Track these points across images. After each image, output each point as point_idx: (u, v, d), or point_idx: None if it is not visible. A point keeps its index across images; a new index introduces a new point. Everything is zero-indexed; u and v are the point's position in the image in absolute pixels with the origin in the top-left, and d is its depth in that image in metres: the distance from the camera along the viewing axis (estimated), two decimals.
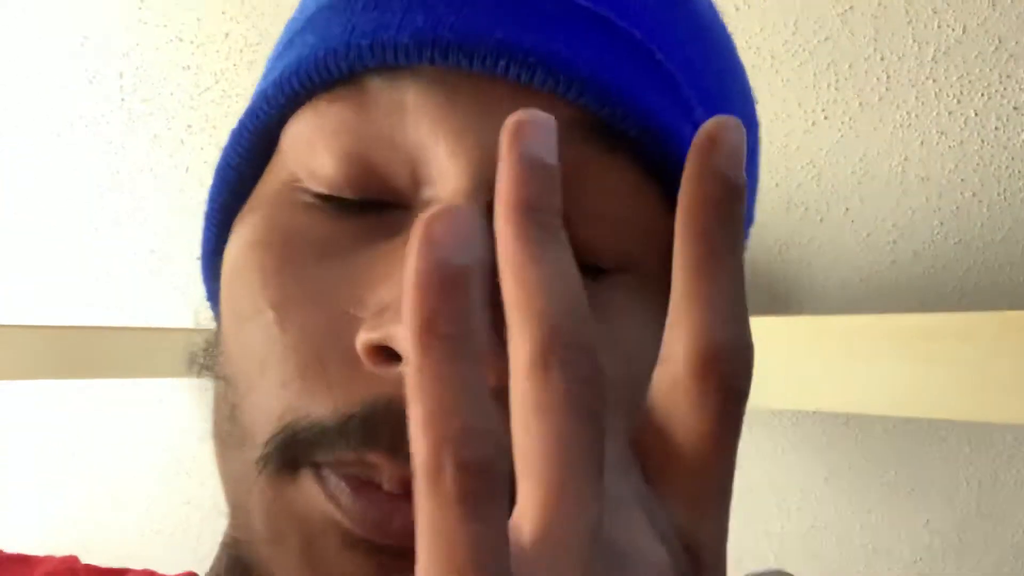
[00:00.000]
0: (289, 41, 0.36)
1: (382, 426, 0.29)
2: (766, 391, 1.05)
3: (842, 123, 1.11)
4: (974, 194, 1.17)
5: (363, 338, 0.29)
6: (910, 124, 1.12)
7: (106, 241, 1.29)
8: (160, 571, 0.47)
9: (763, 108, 1.10)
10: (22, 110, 1.15)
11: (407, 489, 0.28)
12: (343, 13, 0.34)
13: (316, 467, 0.30)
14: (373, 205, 0.32)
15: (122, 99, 1.13)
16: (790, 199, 1.19)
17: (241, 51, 1.07)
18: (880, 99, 1.10)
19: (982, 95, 1.09)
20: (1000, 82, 1.08)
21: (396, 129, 0.31)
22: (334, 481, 0.30)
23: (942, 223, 1.20)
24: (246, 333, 0.32)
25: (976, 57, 1.06)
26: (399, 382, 0.28)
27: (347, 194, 0.32)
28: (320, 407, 0.30)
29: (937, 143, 1.13)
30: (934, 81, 1.08)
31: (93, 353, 1.09)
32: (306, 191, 0.33)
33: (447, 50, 0.30)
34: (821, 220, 1.21)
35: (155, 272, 1.31)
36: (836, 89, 1.08)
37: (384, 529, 0.29)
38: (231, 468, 0.33)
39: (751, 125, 0.42)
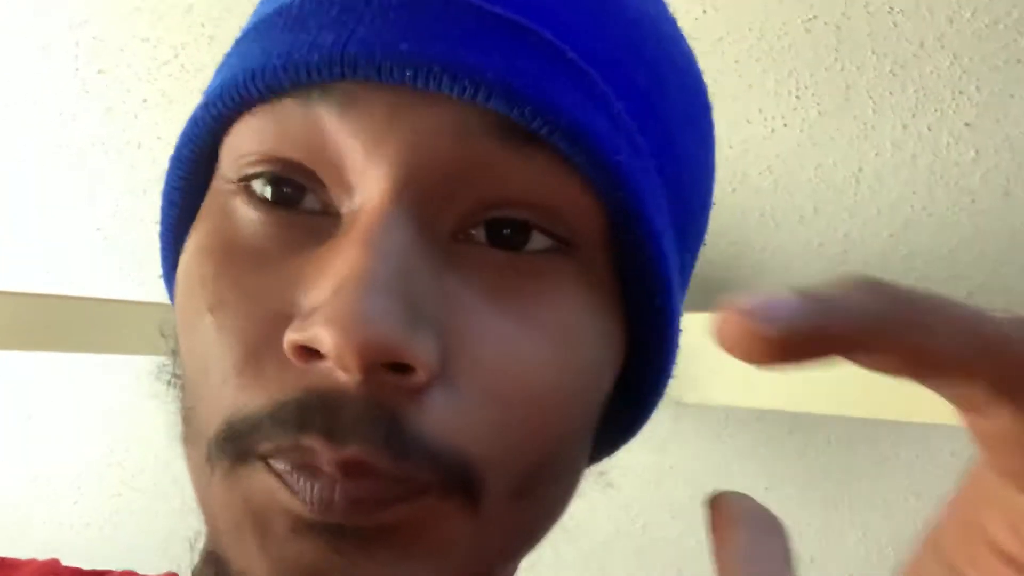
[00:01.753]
0: (222, 64, 0.38)
1: (315, 412, 0.30)
2: (710, 386, 1.05)
3: (800, 131, 1.13)
4: (924, 207, 1.20)
5: (289, 338, 0.30)
6: (866, 135, 1.14)
7: (53, 215, 1.25)
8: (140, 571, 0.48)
9: (724, 112, 1.11)
10: None
11: (346, 471, 0.30)
12: (263, 36, 0.35)
13: (263, 457, 0.31)
14: (304, 213, 0.34)
15: (76, 69, 1.10)
16: (747, 204, 1.20)
17: (203, 25, 1.04)
18: (839, 109, 1.12)
19: (935, 110, 1.12)
20: (953, 98, 1.11)
21: (317, 143, 0.33)
22: (281, 466, 0.31)
23: (892, 235, 1.23)
24: (192, 338, 0.34)
25: (931, 72, 1.09)
26: (328, 375, 0.30)
27: (279, 204, 0.34)
28: (256, 400, 0.31)
29: (891, 155, 1.15)
30: (891, 94, 1.11)
31: (39, 323, 1.05)
32: (242, 202, 0.35)
33: (355, 65, 0.32)
34: (776, 227, 1.22)
35: (102, 250, 1.28)
36: (797, 97, 1.10)
37: (329, 507, 0.30)
38: (193, 468, 0.35)
39: (703, 114, 0.42)
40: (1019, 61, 1.08)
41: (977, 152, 1.15)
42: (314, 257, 0.32)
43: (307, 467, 0.30)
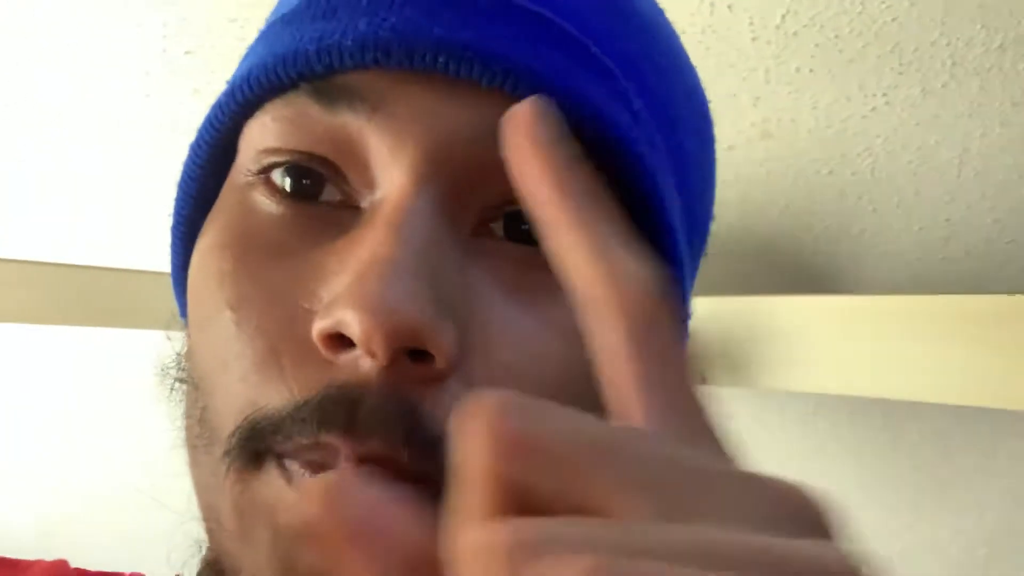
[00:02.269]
0: (248, 52, 0.38)
1: (336, 408, 0.30)
2: (800, 372, 1.02)
3: (902, 110, 1.08)
4: None
5: (317, 327, 0.30)
6: (972, 114, 1.08)
7: (133, 193, 1.27)
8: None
9: (823, 90, 1.07)
10: (60, 52, 1.12)
11: (375, 467, 0.29)
12: (292, 25, 0.36)
13: (279, 458, 0.31)
14: (324, 205, 0.34)
15: (163, 49, 1.10)
16: (843, 187, 1.15)
17: None
18: (943, 86, 1.06)
19: None
20: None
21: (341, 136, 0.33)
22: (296, 468, 0.31)
23: (997, 220, 1.17)
24: (209, 335, 0.34)
25: None
26: (352, 368, 0.30)
27: (298, 196, 0.34)
28: (277, 397, 0.31)
29: (999, 135, 1.10)
30: (1000, 70, 1.05)
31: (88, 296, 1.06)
32: (261, 194, 0.34)
33: (388, 50, 0.32)
34: (874, 210, 1.18)
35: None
36: (900, 74, 1.05)
37: (347, 518, 0.29)
38: (203, 471, 0.34)
39: (703, 123, 0.43)
40: None
41: None
42: (335, 249, 0.32)
43: (323, 467, 0.30)
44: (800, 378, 1.01)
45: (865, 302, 0.98)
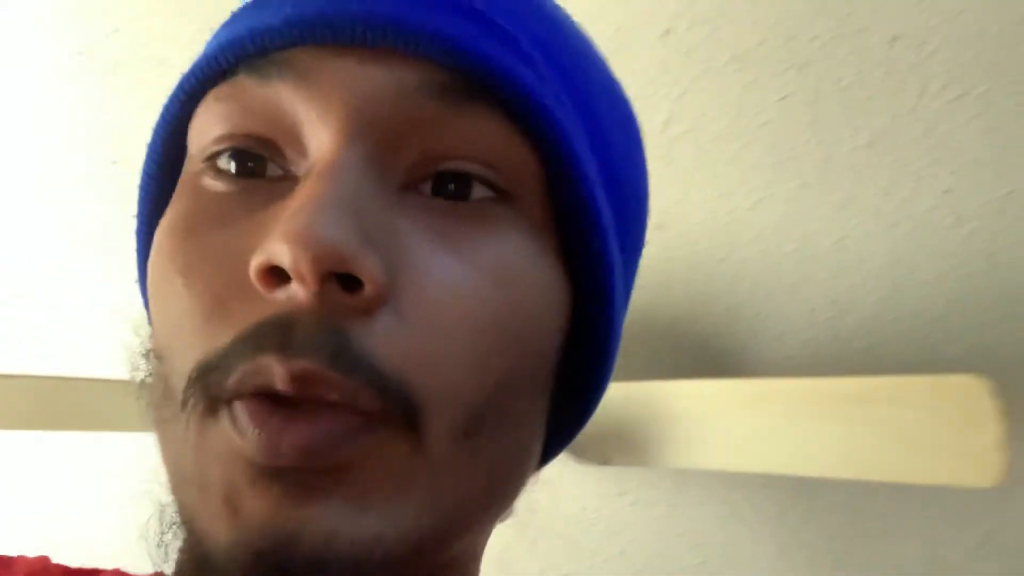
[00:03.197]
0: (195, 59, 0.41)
1: (270, 333, 0.32)
2: (714, 451, 1.07)
3: (784, 202, 1.17)
4: (910, 272, 1.23)
5: (253, 263, 0.32)
6: (847, 205, 1.18)
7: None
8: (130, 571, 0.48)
9: (708, 186, 1.16)
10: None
11: (300, 387, 0.31)
12: (231, 24, 0.39)
13: (228, 404, 0.33)
14: (266, 180, 0.36)
15: (114, 162, 1.16)
16: (736, 273, 1.23)
17: None
18: (819, 181, 1.16)
19: (914, 178, 1.15)
20: (930, 167, 1.14)
21: (275, 113, 0.36)
22: (241, 413, 0.32)
23: (880, 300, 1.25)
24: (163, 304, 0.36)
25: (907, 143, 1.13)
26: (287, 300, 0.32)
27: (244, 175, 0.36)
28: (224, 337, 0.33)
29: (873, 223, 1.19)
30: (869, 165, 1.14)
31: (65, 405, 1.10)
32: (209, 179, 0.37)
33: (313, 26, 0.35)
34: (767, 295, 1.26)
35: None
36: (777, 171, 1.14)
37: (276, 451, 0.31)
38: (170, 439, 0.35)
39: (625, 117, 0.45)
40: (990, 130, 1.11)
41: (958, 217, 1.18)
42: (274, 211, 0.34)
43: (261, 402, 0.32)
44: (699, 457, 1.07)
45: (756, 385, 1.05)
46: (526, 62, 0.38)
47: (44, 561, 0.45)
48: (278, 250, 0.31)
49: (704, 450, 1.11)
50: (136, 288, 0.43)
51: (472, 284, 0.35)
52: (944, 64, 1.07)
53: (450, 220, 0.36)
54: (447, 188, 0.36)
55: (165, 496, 0.37)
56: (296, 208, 0.32)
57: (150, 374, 0.38)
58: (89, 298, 1.38)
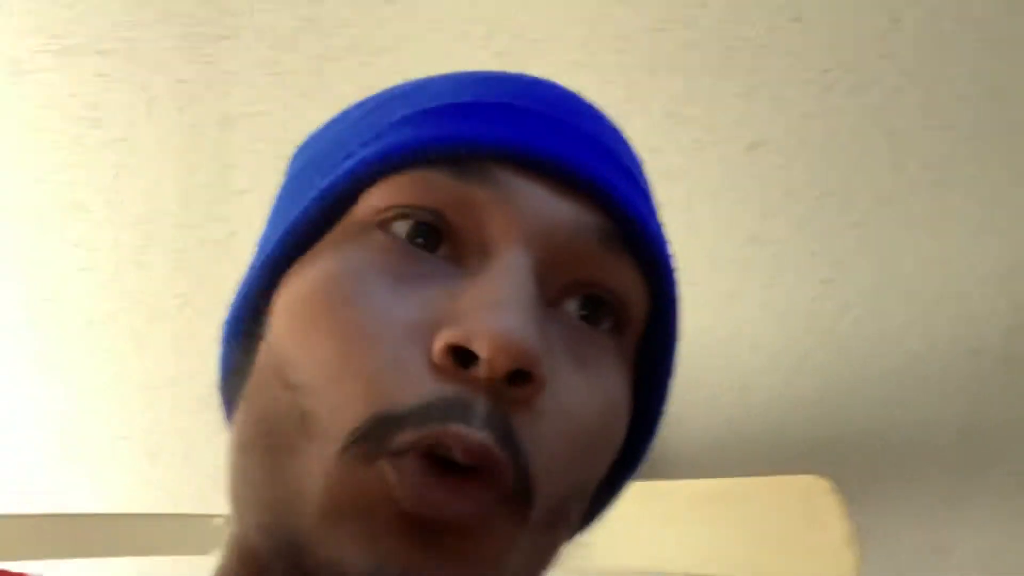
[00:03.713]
0: (377, 134, 0.44)
1: (457, 407, 0.35)
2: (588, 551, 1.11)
3: None
4: (805, 357, 1.28)
5: (447, 337, 0.36)
6: (734, 301, 1.24)
7: None
8: None
9: None
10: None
11: (478, 460, 0.35)
12: (438, 117, 0.43)
13: (391, 456, 0.35)
14: (437, 257, 0.41)
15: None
16: None
17: None
18: (705, 279, 1.22)
19: (794, 271, 1.21)
20: (808, 259, 1.21)
21: (467, 199, 0.40)
22: (412, 467, 0.35)
23: (784, 382, 1.31)
24: (329, 343, 0.38)
25: (782, 239, 1.19)
26: (464, 380, 0.36)
27: (410, 236, 0.41)
28: (407, 399, 0.36)
29: (762, 315, 1.25)
30: (750, 260, 1.21)
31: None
32: (380, 235, 0.41)
33: (516, 150, 0.41)
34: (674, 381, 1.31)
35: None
36: None
37: (439, 508, 0.35)
38: (285, 467, 0.38)
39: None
40: (857, 224, 1.17)
41: (843, 303, 1.24)
42: (454, 288, 0.38)
43: (436, 466, 0.35)
44: (596, 556, 1.11)
45: (653, 487, 1.09)
46: (654, 216, 0.45)
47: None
48: (479, 339, 0.35)
49: (599, 550, 1.15)
50: None
51: (591, 407, 0.40)
52: (806, 165, 1.14)
53: (582, 342, 0.41)
54: (587, 311, 0.41)
55: (252, 517, 0.40)
56: (494, 301, 0.36)
57: (266, 401, 0.40)
58: None
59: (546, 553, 0.41)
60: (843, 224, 1.17)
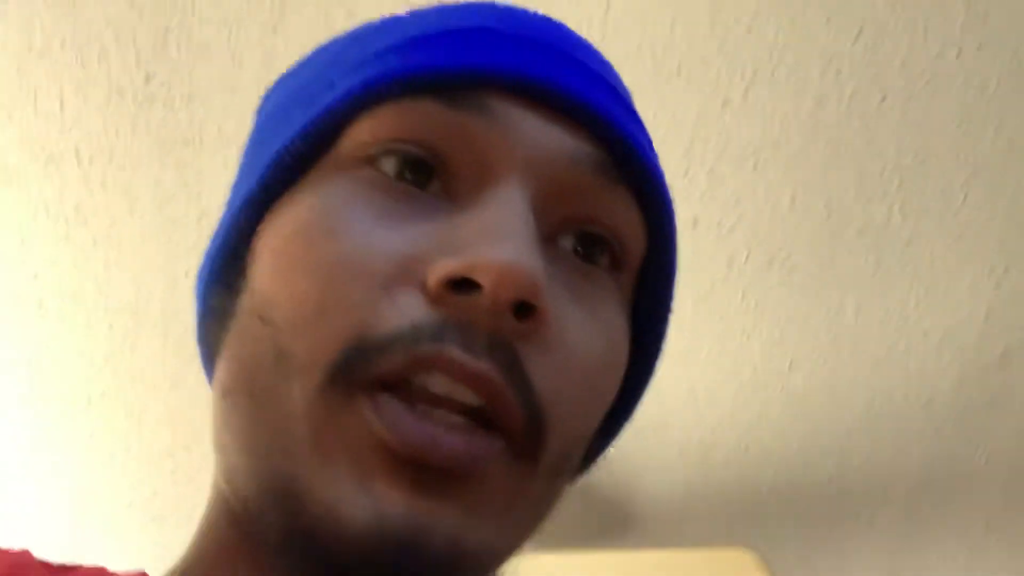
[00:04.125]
0: (359, 63, 0.41)
1: (455, 331, 0.33)
2: None
3: None
4: (760, 413, 1.34)
5: (446, 266, 0.33)
6: (686, 359, 1.29)
7: None
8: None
9: None
10: None
11: (475, 384, 0.32)
12: (429, 46, 0.40)
13: (371, 392, 0.33)
14: (428, 193, 0.38)
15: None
16: None
17: None
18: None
19: (741, 333, 1.27)
20: (753, 323, 1.26)
21: (459, 135, 0.38)
22: (389, 403, 0.33)
23: (739, 438, 1.36)
24: (309, 278, 0.35)
25: (727, 305, 1.25)
26: (467, 309, 0.33)
27: (398, 174, 0.38)
28: (393, 322, 0.33)
29: (715, 374, 1.30)
30: (698, 324, 1.26)
31: None
32: (369, 173, 0.38)
33: (511, 77, 0.39)
34: (636, 435, 1.37)
35: None
36: None
37: (431, 449, 0.32)
38: (267, 410, 0.35)
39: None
40: (800, 287, 1.23)
41: (792, 361, 1.29)
42: (449, 222, 0.36)
43: (421, 408, 0.33)
44: None
45: (547, 559, 1.13)
46: (651, 147, 0.43)
47: (26, 556, 0.43)
48: (483, 269, 0.32)
49: None
50: None
51: (596, 343, 0.37)
52: (746, 236, 1.19)
53: (581, 279, 0.38)
54: (584, 248, 0.39)
55: (239, 464, 0.37)
56: (496, 232, 0.34)
57: (246, 341, 0.38)
58: None
59: (550, 501, 0.39)
60: (786, 287, 1.23)
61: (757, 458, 1.37)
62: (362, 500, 0.32)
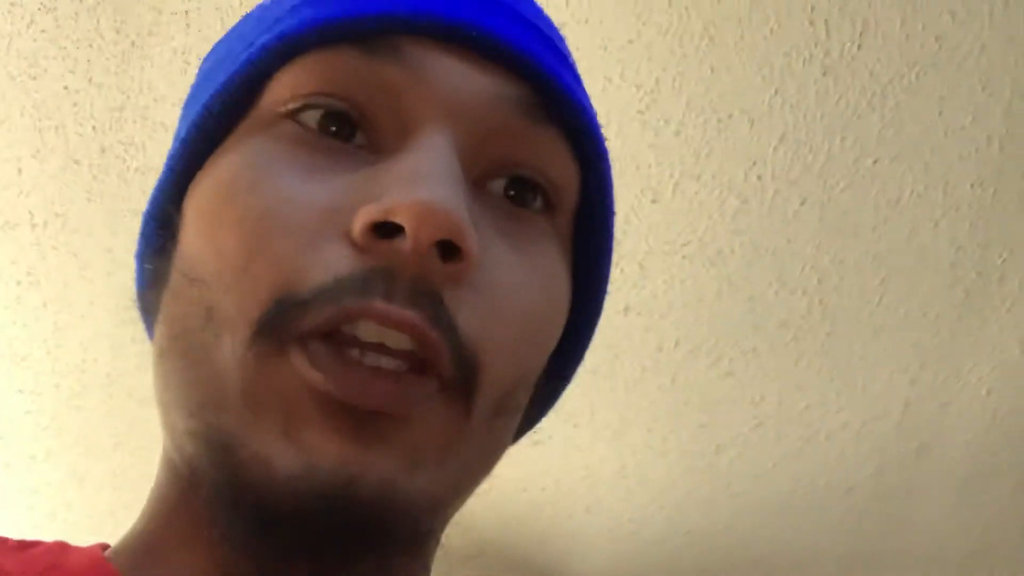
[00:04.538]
0: (275, 19, 0.41)
1: (377, 281, 0.33)
2: None
3: (563, 442, 1.33)
4: (689, 492, 1.38)
5: (368, 213, 0.33)
6: (617, 442, 1.33)
7: None
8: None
9: None
10: None
11: (401, 332, 0.33)
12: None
13: (303, 343, 0.33)
14: (351, 145, 0.38)
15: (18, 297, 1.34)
16: (539, 502, 1.39)
17: None
18: (590, 421, 1.32)
19: (670, 415, 1.31)
20: (682, 406, 1.30)
21: (377, 86, 0.37)
22: (321, 350, 0.33)
23: (668, 517, 1.40)
24: (234, 234, 0.35)
25: (658, 388, 1.29)
26: (389, 254, 0.33)
27: (321, 128, 0.37)
28: (318, 276, 0.33)
29: (644, 455, 1.34)
30: (629, 406, 1.31)
31: None
32: (292, 127, 0.38)
33: (427, 21, 0.38)
34: (569, 517, 1.40)
35: None
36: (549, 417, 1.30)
37: (365, 391, 0.32)
38: (200, 362, 0.35)
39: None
40: (726, 374, 1.27)
41: (719, 445, 1.33)
42: (371, 172, 0.36)
43: (349, 355, 0.33)
44: None
45: None
46: (580, 85, 0.43)
47: None
48: (401, 210, 0.32)
49: None
50: None
51: (531, 285, 0.37)
52: (673, 325, 1.24)
53: (513, 222, 0.38)
54: (515, 192, 0.39)
55: (177, 423, 0.37)
56: (415, 175, 0.34)
57: (177, 302, 0.38)
58: None
59: (494, 444, 0.38)
60: (712, 375, 1.27)
61: (685, 538, 1.41)
62: (292, 450, 0.32)
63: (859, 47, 1.06)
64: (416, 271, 0.33)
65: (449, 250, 0.33)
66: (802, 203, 1.16)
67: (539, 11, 0.45)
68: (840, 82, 1.08)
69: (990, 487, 1.35)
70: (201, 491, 0.35)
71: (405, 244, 0.33)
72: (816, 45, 1.06)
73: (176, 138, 0.43)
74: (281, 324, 0.33)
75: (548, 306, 0.38)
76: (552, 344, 0.40)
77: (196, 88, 0.44)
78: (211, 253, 0.36)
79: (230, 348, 0.34)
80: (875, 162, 1.13)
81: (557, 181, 0.39)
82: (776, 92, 1.10)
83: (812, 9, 1.04)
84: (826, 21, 1.05)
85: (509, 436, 0.40)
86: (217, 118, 0.39)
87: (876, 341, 1.23)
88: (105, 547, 0.40)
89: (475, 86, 0.38)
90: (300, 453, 0.32)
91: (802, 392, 1.28)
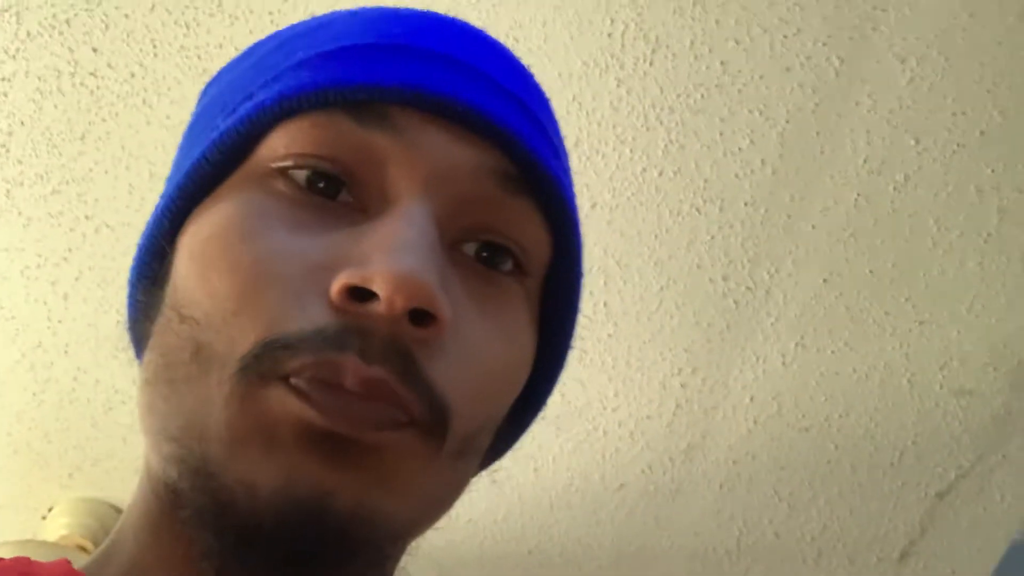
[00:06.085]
0: (275, 76, 0.44)
1: (352, 337, 0.36)
2: None
3: None
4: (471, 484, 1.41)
5: (345, 277, 0.36)
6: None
7: None
8: None
9: None
10: None
11: (369, 390, 0.35)
12: (339, 60, 0.43)
13: (285, 379, 0.35)
14: (338, 203, 0.41)
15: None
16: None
17: None
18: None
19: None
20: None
21: (366, 151, 0.40)
22: (303, 383, 0.35)
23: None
24: (226, 280, 0.38)
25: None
26: (363, 315, 0.36)
27: (309, 185, 0.41)
28: (298, 325, 0.36)
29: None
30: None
31: None
32: (282, 184, 0.41)
33: (415, 95, 0.41)
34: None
35: None
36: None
37: (347, 416, 0.35)
38: (185, 396, 0.38)
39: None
40: None
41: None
42: (352, 233, 0.39)
43: (327, 383, 0.35)
44: None
45: None
46: (567, 173, 0.46)
47: None
48: (377, 278, 0.35)
49: None
50: None
51: (496, 343, 0.41)
52: None
53: (483, 283, 0.41)
54: (487, 254, 0.42)
55: (160, 449, 0.39)
56: (393, 244, 0.37)
57: (167, 337, 0.40)
58: None
59: (457, 481, 0.42)
60: None
61: (459, 527, 1.43)
62: (273, 468, 0.35)
63: (651, 63, 1.11)
64: (389, 333, 0.36)
65: (421, 316, 0.36)
66: (592, 207, 1.21)
67: (524, 81, 0.47)
68: (632, 94, 1.14)
69: (750, 488, 1.44)
70: (182, 512, 0.37)
71: (379, 309, 0.35)
72: (612, 57, 1.11)
73: (170, 179, 0.46)
74: (266, 362, 0.36)
75: (510, 363, 0.42)
76: (514, 395, 0.43)
77: (198, 122, 0.47)
78: (204, 295, 0.39)
79: (216, 381, 0.37)
80: (660, 174, 1.19)
81: (527, 247, 0.43)
82: (573, 99, 1.14)
83: (611, 22, 1.09)
84: (623, 35, 1.10)
85: (471, 475, 0.43)
86: (214, 166, 0.43)
87: (653, 344, 1.30)
88: (66, 562, 0.41)
89: (456, 157, 0.41)
90: (280, 472, 0.34)
91: (582, 389, 1.33)
